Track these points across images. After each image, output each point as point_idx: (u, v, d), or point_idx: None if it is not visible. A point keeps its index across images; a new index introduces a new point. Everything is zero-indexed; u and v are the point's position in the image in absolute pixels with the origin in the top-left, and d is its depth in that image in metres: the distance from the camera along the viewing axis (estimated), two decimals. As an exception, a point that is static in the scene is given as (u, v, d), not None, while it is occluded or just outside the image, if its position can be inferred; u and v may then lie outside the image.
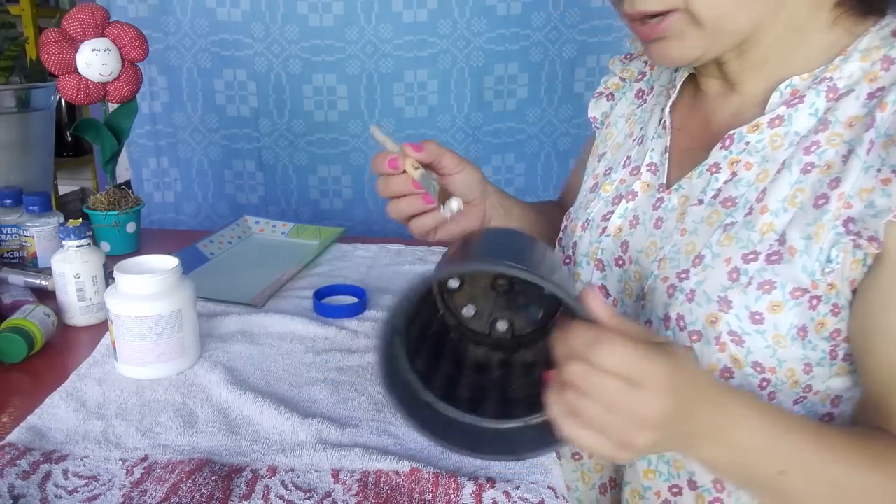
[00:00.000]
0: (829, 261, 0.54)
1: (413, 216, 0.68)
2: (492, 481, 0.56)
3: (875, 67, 0.57)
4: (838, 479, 0.52)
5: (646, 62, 0.80)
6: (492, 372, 0.60)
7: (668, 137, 0.70)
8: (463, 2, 1.43)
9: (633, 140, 0.75)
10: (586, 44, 1.47)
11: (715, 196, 0.62)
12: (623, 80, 0.82)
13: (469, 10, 1.44)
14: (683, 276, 0.61)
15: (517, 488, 0.55)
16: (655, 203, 0.68)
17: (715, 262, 0.59)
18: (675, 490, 0.64)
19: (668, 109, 0.70)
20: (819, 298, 0.55)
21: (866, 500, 0.52)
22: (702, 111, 0.70)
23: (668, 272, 0.62)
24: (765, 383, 0.58)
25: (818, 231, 0.54)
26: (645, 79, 0.79)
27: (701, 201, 0.63)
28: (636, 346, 0.44)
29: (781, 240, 0.56)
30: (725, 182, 0.62)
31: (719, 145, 0.63)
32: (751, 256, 0.57)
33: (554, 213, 0.87)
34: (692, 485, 0.63)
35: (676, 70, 0.74)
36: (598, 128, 0.83)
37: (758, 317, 0.56)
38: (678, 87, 0.71)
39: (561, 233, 0.79)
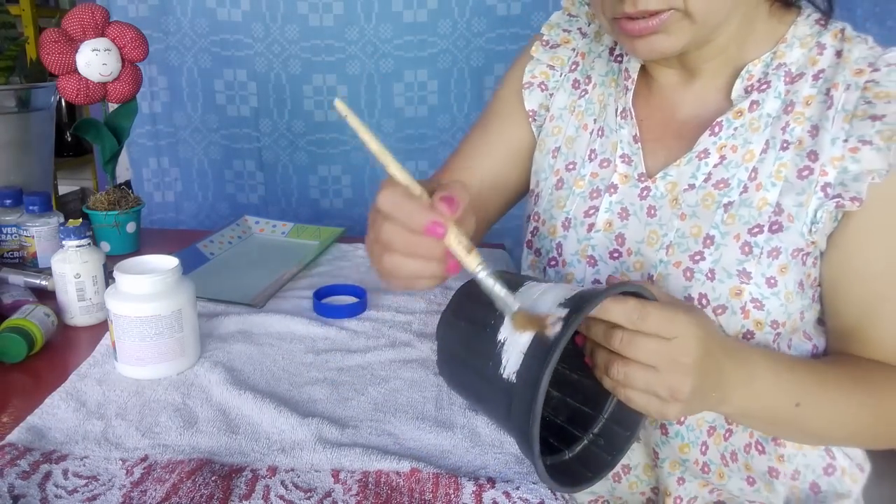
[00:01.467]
0: (814, 222, 0.63)
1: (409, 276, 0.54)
2: (492, 481, 0.56)
3: (813, 53, 0.66)
4: (836, 403, 0.62)
5: (574, 50, 0.80)
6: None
7: (635, 128, 0.72)
8: (463, 2, 1.43)
9: (590, 132, 0.76)
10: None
11: (706, 179, 0.67)
12: (552, 67, 0.80)
13: (469, 10, 1.44)
14: (698, 257, 0.66)
15: (517, 488, 0.55)
16: (641, 192, 0.70)
17: (725, 239, 0.65)
18: (703, 448, 0.69)
19: (629, 100, 0.73)
20: (808, 254, 0.64)
21: (858, 414, 0.63)
22: (662, 101, 0.73)
23: (680, 256, 0.67)
24: (777, 336, 0.65)
25: (807, 198, 0.63)
26: (578, 69, 0.79)
27: (692, 186, 0.68)
28: (663, 307, 0.52)
29: (777, 210, 0.64)
30: (715, 166, 0.67)
31: (708, 132, 0.67)
32: (756, 230, 0.64)
33: None
34: (711, 431, 0.69)
35: (619, 60, 0.76)
36: (535, 120, 0.81)
37: (772, 280, 0.64)
38: (635, 78, 0.73)
39: (530, 235, 0.79)
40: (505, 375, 0.52)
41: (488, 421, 0.64)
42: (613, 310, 0.52)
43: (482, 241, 0.89)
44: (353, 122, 0.51)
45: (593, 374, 0.58)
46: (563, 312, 0.50)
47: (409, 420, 0.65)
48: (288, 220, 1.23)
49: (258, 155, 1.56)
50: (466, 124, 1.52)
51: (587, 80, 0.78)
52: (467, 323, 0.59)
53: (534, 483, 0.56)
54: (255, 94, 1.51)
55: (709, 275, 0.65)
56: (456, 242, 0.50)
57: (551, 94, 0.80)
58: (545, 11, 1.43)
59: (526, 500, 0.54)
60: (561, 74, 0.80)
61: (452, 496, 0.54)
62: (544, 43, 0.81)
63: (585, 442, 0.61)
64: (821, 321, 0.69)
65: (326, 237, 1.16)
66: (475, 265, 0.51)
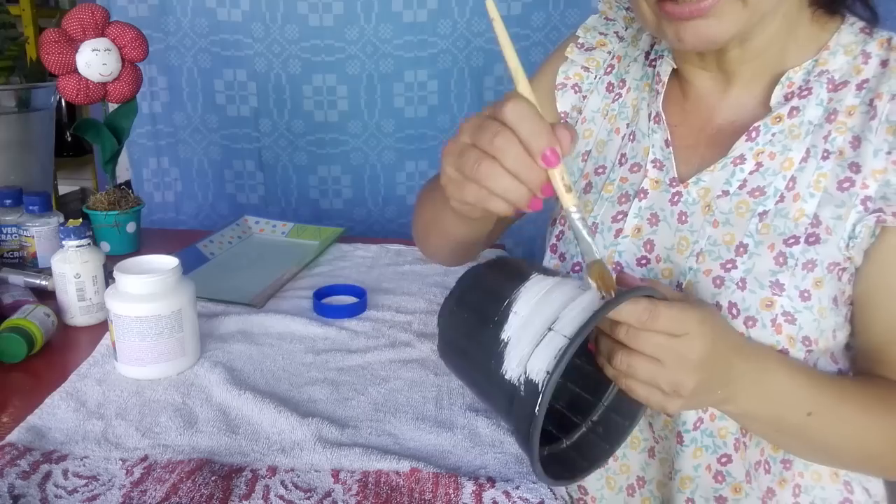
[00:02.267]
0: (852, 237, 0.61)
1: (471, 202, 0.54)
2: (492, 481, 0.56)
3: (857, 61, 0.64)
4: (854, 420, 0.60)
5: (610, 52, 0.79)
6: None
7: (667, 132, 0.70)
8: (463, 2, 1.43)
9: (622, 137, 0.75)
10: (586, 44, 1.47)
11: (741, 186, 0.65)
12: (587, 69, 0.79)
13: (469, 10, 1.44)
14: (730, 265, 0.64)
15: (517, 488, 0.55)
16: (672, 198, 0.69)
17: (759, 249, 0.63)
18: (724, 460, 0.67)
19: (660, 104, 0.71)
20: (844, 270, 0.62)
21: (878, 436, 0.60)
22: (697, 107, 0.71)
23: (711, 264, 0.65)
24: (808, 355, 0.63)
25: (847, 212, 0.61)
26: (614, 72, 0.78)
27: (726, 192, 0.66)
28: (673, 306, 0.51)
29: (815, 222, 0.62)
30: (751, 172, 0.65)
31: (744, 138, 0.65)
32: (791, 241, 0.62)
33: None
34: (737, 445, 0.66)
35: (653, 65, 0.74)
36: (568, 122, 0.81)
37: (806, 294, 0.62)
38: (665, 82, 0.71)
39: (554, 239, 0.78)
40: (507, 377, 0.52)
41: (488, 421, 0.64)
42: (624, 312, 0.51)
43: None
44: (499, 28, 0.51)
45: (596, 361, 0.57)
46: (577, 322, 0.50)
47: (409, 420, 0.65)
48: (288, 220, 1.23)
49: (258, 155, 1.56)
50: (466, 124, 1.52)
51: (622, 84, 0.77)
52: (471, 314, 0.59)
53: (533, 483, 0.56)
54: (254, 94, 1.51)
55: (740, 284, 0.63)
56: (559, 177, 0.50)
57: (584, 97, 0.79)
58: (545, 11, 1.43)
59: (526, 499, 0.54)
60: (595, 77, 0.79)
61: (452, 496, 0.54)
62: (580, 45, 0.80)
63: (584, 429, 0.61)
64: (848, 346, 0.67)
65: (326, 237, 1.16)
66: (572, 204, 0.51)
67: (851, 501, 0.69)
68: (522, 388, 0.50)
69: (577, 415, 0.61)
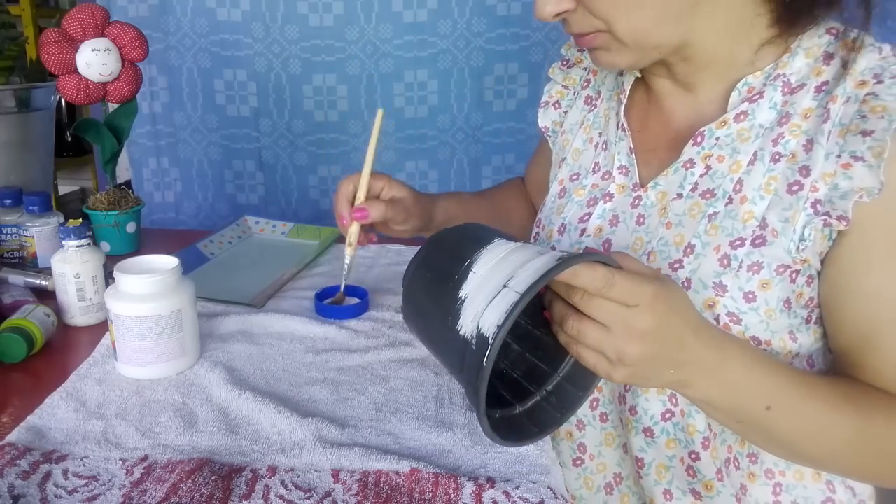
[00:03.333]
0: (802, 239, 0.60)
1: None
2: (492, 481, 0.56)
3: (818, 63, 0.63)
4: (817, 417, 0.59)
5: (586, 69, 0.84)
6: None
7: (630, 139, 0.73)
8: (463, 2, 1.43)
9: (595, 146, 0.78)
10: (586, 44, 1.47)
11: (693, 189, 0.67)
12: (566, 87, 0.86)
13: (469, 10, 1.44)
14: (677, 265, 0.65)
15: (517, 488, 0.55)
16: (633, 202, 0.71)
17: (705, 250, 0.64)
18: (693, 456, 0.68)
19: (622, 113, 0.74)
20: (797, 272, 0.62)
21: (841, 435, 0.59)
22: (658, 112, 0.73)
23: (660, 263, 0.66)
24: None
25: (794, 214, 0.61)
26: (590, 85, 0.83)
27: (680, 195, 0.68)
28: (631, 277, 0.52)
29: (762, 224, 0.62)
30: (701, 176, 0.67)
31: (691, 142, 0.67)
32: (737, 242, 0.63)
33: (507, 194, 1.01)
34: (706, 444, 0.67)
35: (622, 74, 0.77)
36: (549, 136, 0.87)
37: (751, 296, 0.62)
38: (627, 92, 0.75)
39: (532, 239, 0.83)
40: (462, 333, 0.53)
41: None
42: (582, 276, 0.51)
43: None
44: (374, 134, 0.78)
45: (553, 334, 0.58)
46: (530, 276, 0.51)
47: (409, 420, 0.65)
48: (288, 220, 1.23)
49: (258, 155, 1.56)
50: (466, 124, 1.53)
51: (597, 96, 0.81)
52: (433, 274, 0.61)
53: (533, 483, 0.56)
54: (254, 94, 1.51)
55: (685, 283, 0.64)
56: (354, 231, 0.81)
57: (565, 112, 0.85)
58: (545, 11, 1.43)
59: (526, 499, 0.54)
60: (574, 93, 0.85)
61: (452, 496, 0.54)
62: (563, 63, 0.87)
63: (538, 398, 0.62)
64: (831, 350, 0.67)
65: (326, 237, 1.16)
66: (348, 255, 0.83)
67: (834, 501, 0.69)
68: (474, 341, 0.52)
69: (532, 384, 0.63)
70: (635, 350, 0.52)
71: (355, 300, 0.90)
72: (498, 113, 1.52)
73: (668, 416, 0.68)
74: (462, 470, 0.58)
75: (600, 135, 0.78)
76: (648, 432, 0.69)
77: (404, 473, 0.57)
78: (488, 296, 0.53)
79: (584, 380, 0.61)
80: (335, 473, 0.57)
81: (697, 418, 0.67)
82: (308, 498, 0.54)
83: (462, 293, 0.55)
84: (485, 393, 0.51)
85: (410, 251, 1.11)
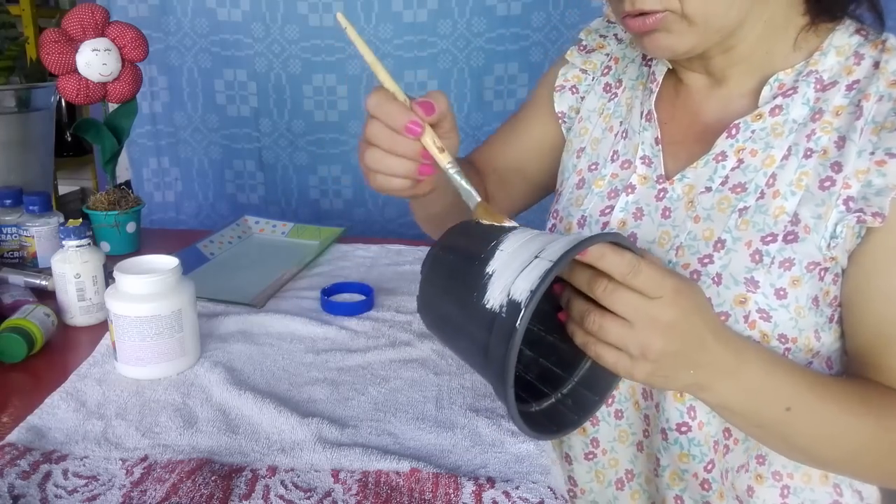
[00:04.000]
0: (833, 236, 0.60)
1: (388, 174, 0.60)
2: (492, 481, 0.56)
3: (849, 62, 0.64)
4: (835, 420, 0.59)
5: (608, 55, 0.81)
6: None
7: (657, 130, 0.72)
8: (463, 2, 1.43)
9: (615, 134, 0.77)
10: (586, 44, 1.47)
11: (723, 183, 0.66)
12: (585, 71, 0.82)
13: (469, 10, 1.44)
14: (707, 261, 0.64)
15: (517, 488, 0.55)
16: (658, 194, 0.70)
17: (736, 245, 0.64)
18: (709, 467, 0.67)
19: (653, 102, 0.73)
20: (826, 270, 0.62)
21: (857, 437, 0.59)
22: (687, 104, 0.72)
23: (689, 259, 0.66)
24: (786, 352, 0.63)
25: (827, 211, 0.60)
26: (611, 73, 0.80)
27: (709, 189, 0.67)
28: (658, 267, 0.51)
29: (794, 220, 0.62)
30: (732, 169, 0.66)
31: (725, 135, 0.66)
32: (769, 238, 0.62)
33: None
34: (716, 447, 0.66)
35: (649, 64, 0.76)
36: (564, 122, 0.83)
37: (782, 292, 0.62)
38: (660, 82, 0.73)
39: (549, 231, 0.80)
40: (489, 306, 0.52)
41: (489, 421, 0.64)
42: (609, 257, 0.50)
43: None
44: (352, 33, 0.60)
45: (568, 338, 0.57)
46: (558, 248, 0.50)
47: (409, 420, 0.65)
48: (288, 220, 1.22)
49: (258, 155, 1.56)
50: (466, 124, 1.52)
51: (618, 84, 0.79)
52: (456, 256, 0.59)
53: (533, 483, 0.56)
54: (255, 94, 1.51)
55: (715, 279, 0.63)
56: (431, 141, 0.58)
57: (582, 98, 0.82)
58: (545, 11, 1.43)
59: (526, 499, 0.54)
60: (593, 78, 0.81)
61: (452, 496, 0.54)
62: (581, 48, 0.83)
63: (553, 400, 0.60)
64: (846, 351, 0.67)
65: (326, 237, 1.16)
66: (446, 162, 0.59)
67: None
68: (504, 309, 0.50)
69: (547, 386, 0.61)
70: (659, 343, 0.51)
71: (361, 297, 0.91)
72: (498, 113, 1.52)
73: (683, 429, 0.67)
74: (462, 470, 0.58)
75: (621, 123, 0.77)
76: (663, 434, 0.69)
77: (404, 473, 0.57)
78: (519, 267, 0.51)
79: (600, 384, 0.60)
80: (335, 473, 0.57)
81: (714, 423, 0.66)
82: (308, 498, 0.54)
83: (489, 269, 0.53)
84: (514, 360, 0.48)
85: (410, 251, 1.12)
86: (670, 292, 0.51)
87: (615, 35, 0.82)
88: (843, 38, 0.65)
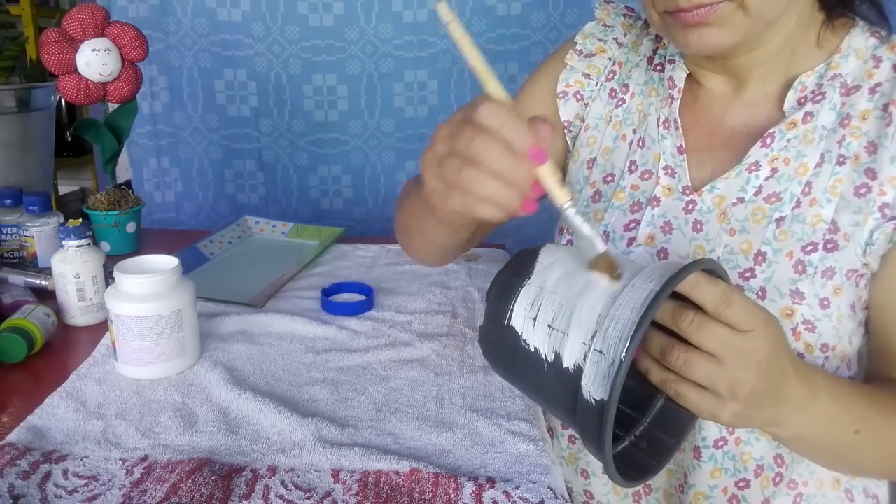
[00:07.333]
0: (869, 243, 0.60)
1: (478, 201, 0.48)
2: (492, 481, 0.56)
3: (868, 65, 0.64)
4: (894, 427, 0.58)
5: (611, 59, 0.78)
6: None
7: (680, 138, 0.69)
8: (463, 2, 1.43)
9: (630, 143, 0.74)
10: (586, 44, 1.47)
11: (757, 193, 0.65)
12: (588, 76, 0.78)
13: (469, 10, 1.44)
14: (748, 274, 0.63)
15: (517, 488, 0.55)
16: (687, 206, 0.68)
17: (777, 257, 0.62)
18: (742, 484, 0.66)
19: (675, 110, 0.70)
20: (861, 276, 0.62)
21: None
22: (709, 110, 0.70)
23: (729, 274, 0.62)
24: (825, 360, 0.62)
25: (864, 218, 0.60)
26: (616, 77, 0.77)
27: (742, 199, 0.65)
28: (747, 298, 0.49)
29: (833, 228, 0.61)
30: (766, 179, 0.64)
31: (759, 144, 0.65)
32: (810, 247, 0.61)
33: None
34: (758, 471, 0.65)
35: (659, 69, 0.74)
36: (570, 131, 0.79)
37: (826, 302, 0.61)
38: (681, 88, 0.70)
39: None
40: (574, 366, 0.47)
41: (488, 421, 0.64)
42: (704, 287, 0.47)
43: (484, 240, 0.89)
44: (456, 31, 0.48)
45: (635, 376, 0.54)
46: (652, 282, 0.45)
47: (409, 420, 0.65)
48: (288, 220, 1.23)
49: (258, 155, 1.56)
50: (466, 124, 1.52)
51: (624, 90, 0.76)
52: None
53: (533, 483, 0.56)
54: (255, 94, 1.51)
55: (759, 293, 0.62)
56: (550, 172, 0.48)
57: (587, 104, 0.78)
58: (545, 11, 1.43)
59: (526, 499, 0.54)
60: (597, 84, 0.78)
61: (452, 496, 0.54)
62: (578, 52, 0.79)
63: (626, 443, 0.57)
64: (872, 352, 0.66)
65: (326, 237, 1.16)
66: (566, 199, 0.48)
67: None
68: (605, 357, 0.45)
69: (619, 428, 0.57)
70: (750, 382, 0.48)
71: (361, 297, 0.90)
72: (498, 113, 1.52)
73: (721, 443, 0.65)
74: (462, 470, 0.58)
75: (634, 131, 0.74)
76: (696, 452, 0.66)
77: (404, 473, 0.57)
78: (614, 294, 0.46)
79: (675, 426, 0.56)
80: (335, 473, 0.57)
81: (756, 446, 0.65)
82: (308, 498, 0.54)
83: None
84: (612, 421, 0.44)
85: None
86: (762, 323, 0.49)
87: (615, 39, 0.79)
88: (860, 41, 0.64)
